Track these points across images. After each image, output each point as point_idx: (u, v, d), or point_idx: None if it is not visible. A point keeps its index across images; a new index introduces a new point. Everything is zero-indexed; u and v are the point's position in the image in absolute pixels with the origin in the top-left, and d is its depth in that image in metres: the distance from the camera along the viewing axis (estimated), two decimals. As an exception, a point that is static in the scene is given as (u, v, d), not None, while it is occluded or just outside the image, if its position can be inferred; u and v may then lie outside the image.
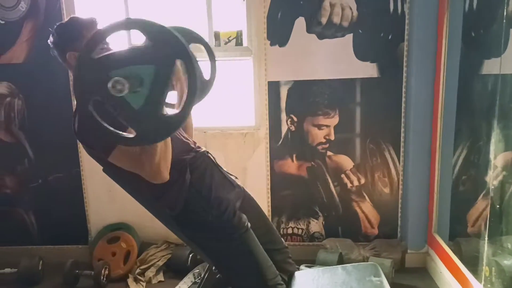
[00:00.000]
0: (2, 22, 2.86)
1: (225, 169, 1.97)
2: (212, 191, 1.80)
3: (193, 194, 1.76)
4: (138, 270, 2.94)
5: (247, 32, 2.91)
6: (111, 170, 1.75)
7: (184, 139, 1.89)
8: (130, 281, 2.89)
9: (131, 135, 1.41)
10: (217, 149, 3.03)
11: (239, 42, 2.93)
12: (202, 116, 3.09)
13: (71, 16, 1.80)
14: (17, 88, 3.00)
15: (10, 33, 2.93)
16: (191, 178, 1.77)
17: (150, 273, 2.93)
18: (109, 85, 1.29)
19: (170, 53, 1.35)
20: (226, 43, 2.91)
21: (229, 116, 3.10)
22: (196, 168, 1.80)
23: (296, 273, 2.04)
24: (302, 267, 2.79)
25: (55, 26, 1.78)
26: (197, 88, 1.36)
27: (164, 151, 1.62)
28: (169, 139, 1.64)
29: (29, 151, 3.07)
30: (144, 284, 2.88)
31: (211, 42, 2.90)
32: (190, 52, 1.34)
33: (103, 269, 2.86)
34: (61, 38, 1.73)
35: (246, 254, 1.82)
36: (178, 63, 1.38)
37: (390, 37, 2.85)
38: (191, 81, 1.35)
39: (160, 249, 3.06)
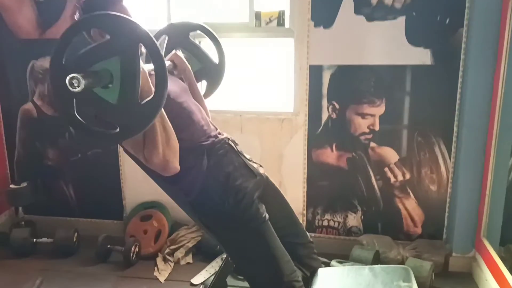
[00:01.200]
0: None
1: (248, 156, 1.88)
2: (230, 178, 1.71)
3: (209, 181, 1.69)
4: (167, 250, 2.92)
5: (289, 12, 2.75)
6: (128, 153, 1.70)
7: (206, 125, 1.80)
8: (159, 260, 2.88)
9: (115, 131, 1.39)
10: (252, 134, 2.93)
11: (281, 23, 2.77)
12: (238, 99, 3.00)
13: None
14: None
15: (55, 8, 2.93)
16: (208, 164, 1.69)
17: (179, 254, 2.90)
18: (66, 82, 1.26)
19: (130, 40, 1.34)
20: (267, 24, 2.76)
21: (267, 100, 2.97)
22: (214, 154, 1.72)
23: (320, 270, 1.92)
24: (333, 262, 2.66)
25: (82, 2, 1.73)
26: (165, 69, 1.36)
27: (166, 140, 1.55)
28: (169, 127, 1.58)
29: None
30: (172, 264, 2.86)
31: (252, 23, 2.77)
32: (150, 35, 1.34)
33: (133, 246, 2.86)
34: (86, 13, 1.68)
35: (261, 246, 1.73)
36: (141, 48, 1.38)
37: (447, 21, 2.58)
38: (157, 63, 1.35)
39: (191, 231, 3.02)
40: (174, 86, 1.78)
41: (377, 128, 2.80)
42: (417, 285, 2.49)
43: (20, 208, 3.19)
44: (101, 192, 3.20)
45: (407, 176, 2.84)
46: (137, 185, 3.15)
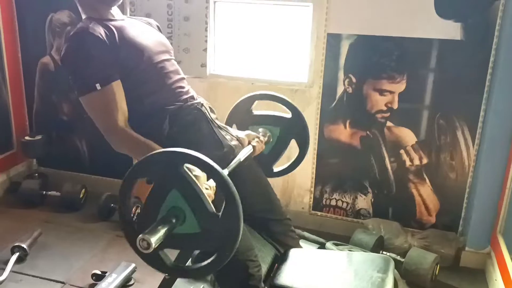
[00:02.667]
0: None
1: (224, 126, 1.76)
2: (190, 147, 1.59)
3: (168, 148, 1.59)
4: (169, 215, 2.89)
5: (309, -27, 2.55)
6: None
7: (179, 88, 1.68)
8: (159, 223, 2.86)
9: (211, 259, 1.29)
10: (263, 104, 2.78)
11: (298, -15, 2.59)
12: (250, 66, 2.86)
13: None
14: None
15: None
16: (169, 131, 1.58)
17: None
18: (137, 245, 1.19)
19: (216, 243, 1.28)
20: (284, -15, 2.59)
21: (280, 69, 2.81)
22: (179, 120, 1.61)
23: (291, 250, 1.78)
24: (328, 244, 2.53)
25: None
26: (226, 180, 1.27)
27: (104, 104, 1.50)
28: (111, 93, 1.51)
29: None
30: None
31: (268, -17, 2.61)
32: (191, 153, 1.27)
33: (134, 208, 2.84)
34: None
35: None
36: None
37: (483, -8, 2.32)
38: (214, 177, 1.29)
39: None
40: (151, 42, 1.67)
41: (395, 106, 2.59)
42: (418, 276, 2.38)
43: (34, 160, 3.25)
44: (112, 150, 3.18)
45: (424, 160, 2.63)
46: None
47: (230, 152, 1.69)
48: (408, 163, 2.66)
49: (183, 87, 1.71)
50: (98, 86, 1.48)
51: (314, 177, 2.84)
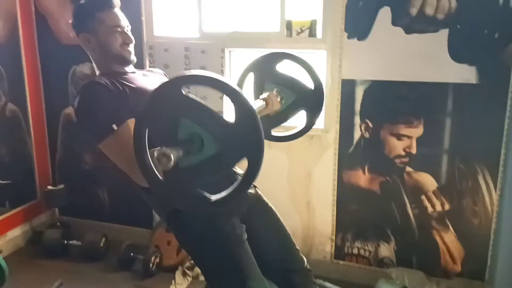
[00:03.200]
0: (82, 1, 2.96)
1: (240, 171, 1.76)
2: (207, 187, 1.60)
3: None
4: (187, 264, 2.87)
5: (322, 22, 2.59)
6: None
7: None
8: (178, 273, 2.83)
9: (236, 184, 1.24)
10: (279, 150, 2.80)
11: (312, 33, 2.62)
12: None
13: None
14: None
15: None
16: None
17: (198, 269, 2.83)
18: (155, 156, 1.15)
19: (241, 150, 1.19)
20: (298, 34, 2.62)
21: (296, 116, 2.82)
22: None
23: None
24: (349, 295, 2.44)
25: (75, 6, 1.74)
26: (247, 187, 1.23)
27: (124, 143, 1.46)
28: (128, 130, 1.48)
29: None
30: (190, 279, 2.79)
31: (282, 32, 2.65)
32: (260, 156, 1.18)
33: (154, 257, 2.83)
34: (77, 18, 1.69)
35: (234, 269, 1.60)
36: None
37: (496, 35, 2.30)
38: (243, 183, 1.22)
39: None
40: (153, 84, 1.71)
41: (414, 151, 2.55)
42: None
43: (56, 210, 3.30)
44: (133, 198, 3.18)
45: (446, 206, 2.56)
46: None
47: (248, 196, 1.70)
48: (430, 209, 2.59)
49: None
50: (114, 126, 1.48)
51: (334, 224, 2.79)
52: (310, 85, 1.93)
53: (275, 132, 2.02)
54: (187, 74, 1.21)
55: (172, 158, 1.13)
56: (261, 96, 1.82)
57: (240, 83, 1.98)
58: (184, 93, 1.21)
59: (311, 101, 1.95)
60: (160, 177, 1.25)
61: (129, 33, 1.72)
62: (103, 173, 3.25)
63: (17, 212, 3.17)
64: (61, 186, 3.22)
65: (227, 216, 1.62)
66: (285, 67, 1.97)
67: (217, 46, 2.81)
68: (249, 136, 1.17)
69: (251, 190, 1.76)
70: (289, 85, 1.94)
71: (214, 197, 1.26)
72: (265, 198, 1.84)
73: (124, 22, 1.73)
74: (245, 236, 1.64)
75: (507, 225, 2.38)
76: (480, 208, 2.49)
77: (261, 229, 1.74)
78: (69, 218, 3.38)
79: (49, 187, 3.21)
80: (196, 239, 1.63)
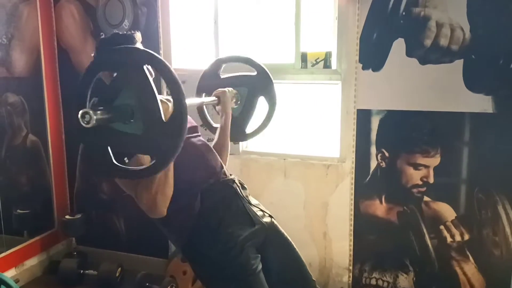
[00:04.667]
0: (103, 37, 3.06)
1: (255, 202, 1.77)
2: (222, 225, 1.62)
3: (200, 225, 1.61)
4: (203, 295, 2.85)
5: (337, 53, 2.65)
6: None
7: (210, 163, 1.73)
8: (193, 304, 2.82)
9: (151, 164, 1.34)
10: (296, 179, 2.81)
11: (327, 64, 2.66)
12: (282, 142, 2.91)
13: (114, 31, 1.80)
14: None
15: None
16: (201, 208, 1.61)
17: (215, 300, 2.80)
18: (78, 116, 1.25)
19: (135, 61, 1.30)
20: (313, 65, 2.67)
21: (312, 145, 2.84)
22: (210, 197, 1.64)
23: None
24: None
25: (99, 41, 1.80)
26: (176, 79, 1.29)
27: (163, 183, 1.49)
28: (170, 174, 1.51)
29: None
30: (206, 310, 2.77)
31: (298, 63, 2.69)
32: (152, 53, 1.30)
33: (169, 287, 2.82)
34: (98, 52, 1.73)
35: None
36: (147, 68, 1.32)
37: (511, 65, 2.31)
38: (166, 74, 1.30)
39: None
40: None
41: (431, 180, 2.54)
42: None
43: (73, 239, 3.32)
44: (149, 228, 3.19)
45: (466, 236, 2.52)
46: None
47: (262, 229, 1.70)
48: (449, 239, 2.55)
49: (216, 163, 1.75)
50: (126, 160, 1.47)
51: (352, 255, 2.76)
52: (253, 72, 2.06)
53: (249, 130, 2.11)
54: (153, 55, 1.31)
55: (94, 118, 1.22)
56: (218, 91, 1.92)
57: (232, 59, 2.12)
58: (146, 69, 1.30)
59: (260, 84, 2.06)
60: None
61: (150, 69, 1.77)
62: (119, 203, 3.27)
63: (34, 241, 3.19)
64: (79, 215, 3.24)
65: (242, 246, 1.62)
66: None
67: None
68: (168, 140, 1.29)
69: (266, 220, 1.76)
70: (236, 82, 2.05)
71: (117, 164, 1.35)
72: (281, 229, 1.83)
73: None
74: (260, 266, 1.64)
75: (529, 256, 2.34)
76: (501, 238, 2.45)
77: (276, 260, 1.74)
78: (85, 248, 3.39)
79: (67, 216, 3.23)
80: (211, 269, 1.63)
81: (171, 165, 1.50)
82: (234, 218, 1.66)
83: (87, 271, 3.10)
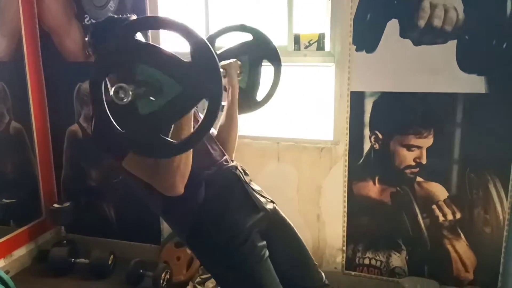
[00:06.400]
0: (93, 21, 2.96)
1: (258, 188, 1.75)
2: (227, 212, 1.60)
3: (205, 214, 1.59)
4: (198, 279, 2.84)
5: (330, 35, 2.61)
6: (124, 176, 1.63)
7: (211, 151, 1.70)
8: (189, 289, 2.82)
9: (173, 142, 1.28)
10: (289, 163, 2.81)
11: (320, 46, 2.64)
12: (275, 125, 2.89)
13: (108, 15, 1.73)
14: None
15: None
16: (205, 196, 1.59)
17: (210, 284, 2.80)
18: (112, 89, 1.17)
19: (201, 88, 1.23)
20: (306, 47, 2.65)
21: (305, 128, 2.83)
22: (213, 185, 1.62)
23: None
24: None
25: (91, 25, 1.73)
26: (210, 126, 1.25)
27: (185, 163, 1.45)
28: (190, 153, 1.47)
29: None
30: (202, 294, 2.77)
31: (290, 45, 2.66)
32: (220, 93, 1.23)
33: (164, 273, 2.80)
34: (94, 37, 1.66)
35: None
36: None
37: (504, 45, 2.32)
38: (212, 112, 1.23)
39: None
40: None
41: (424, 161, 2.57)
42: None
43: (62, 227, 3.26)
44: (140, 215, 3.19)
45: (458, 215, 2.57)
46: None
47: (266, 215, 1.69)
48: (441, 218, 2.60)
49: (215, 150, 1.72)
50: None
51: (345, 236, 2.79)
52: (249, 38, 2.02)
53: (260, 98, 2.08)
54: (137, 19, 1.27)
55: (130, 92, 1.14)
56: (225, 62, 1.86)
57: (229, 29, 2.05)
58: (137, 38, 1.24)
59: (259, 47, 2.02)
60: (119, 129, 1.27)
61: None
62: (109, 190, 3.22)
63: (22, 231, 3.12)
64: (67, 203, 3.18)
65: (248, 233, 1.61)
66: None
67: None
68: (207, 73, 1.21)
69: (269, 206, 1.75)
70: (235, 53, 1.99)
71: (176, 142, 1.29)
72: (283, 214, 1.83)
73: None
74: (267, 253, 1.63)
75: (519, 233, 2.40)
76: (492, 217, 2.51)
77: (280, 246, 1.73)
78: (75, 236, 3.34)
79: (55, 205, 3.17)
80: (218, 258, 1.61)
81: None
82: (238, 206, 1.64)
83: (78, 260, 3.06)
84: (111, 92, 1.17)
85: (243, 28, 2.03)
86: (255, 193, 1.72)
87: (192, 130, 1.37)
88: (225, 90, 1.87)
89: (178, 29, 1.22)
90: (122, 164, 1.53)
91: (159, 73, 1.23)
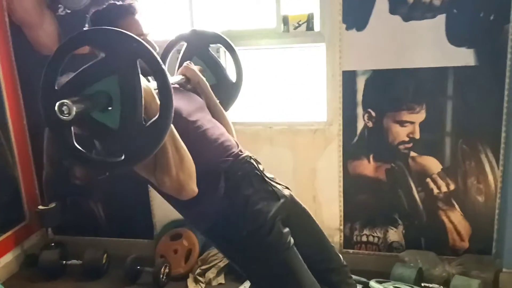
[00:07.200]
0: (68, 11, 2.81)
1: (272, 176, 1.73)
2: (249, 203, 1.57)
3: (226, 206, 1.55)
4: (198, 270, 2.80)
5: (319, 14, 2.59)
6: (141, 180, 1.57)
7: (225, 143, 1.65)
8: (189, 281, 2.77)
9: (119, 159, 1.23)
10: (284, 147, 2.79)
11: (310, 27, 2.61)
12: (267, 110, 2.86)
13: (109, 2, 1.64)
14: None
15: (76, 23, 2.79)
16: (225, 188, 1.55)
17: (210, 274, 2.77)
18: (55, 109, 1.13)
19: (126, 56, 1.21)
20: (295, 28, 2.61)
21: (298, 110, 2.82)
22: (232, 176, 1.58)
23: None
24: (372, 283, 2.47)
25: (91, 13, 1.64)
26: (169, 86, 1.21)
27: (179, 161, 1.41)
28: (181, 147, 1.43)
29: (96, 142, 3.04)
30: (203, 285, 2.73)
31: (279, 28, 2.62)
32: (149, 49, 1.20)
33: (163, 267, 2.75)
34: (95, 26, 1.57)
35: (287, 276, 1.57)
36: (139, 63, 1.22)
37: (491, 17, 2.37)
38: (160, 80, 1.21)
39: (223, 250, 2.89)
40: (186, 103, 1.67)
41: (417, 136, 2.61)
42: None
43: (50, 229, 3.13)
44: (130, 210, 3.10)
45: (452, 187, 2.63)
46: (165, 202, 3.03)
47: (285, 202, 1.67)
48: (435, 191, 2.66)
49: (228, 141, 1.68)
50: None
51: (342, 215, 2.81)
52: (233, 78, 2.03)
53: (233, 79, 2.07)
54: (149, 52, 1.21)
55: (74, 108, 1.12)
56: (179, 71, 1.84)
57: (170, 48, 2.04)
58: (138, 63, 1.22)
59: (226, 93, 2.01)
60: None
61: (153, 41, 1.64)
62: (95, 187, 3.11)
63: (6, 237, 2.97)
64: (53, 204, 3.04)
65: (272, 222, 1.58)
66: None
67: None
68: (144, 145, 1.23)
69: (286, 193, 1.73)
70: (213, 68, 2.00)
71: (149, 124, 1.24)
72: (298, 199, 1.82)
73: (146, 29, 1.65)
74: (292, 240, 1.61)
75: (511, 199, 2.47)
76: (485, 186, 2.58)
77: (300, 232, 1.70)
78: (63, 237, 3.21)
79: (40, 207, 3.03)
80: (244, 250, 1.58)
81: (177, 137, 1.43)
82: (259, 195, 1.61)
83: (70, 262, 2.95)
84: (56, 109, 1.13)
85: (237, 65, 2.04)
86: (271, 181, 1.70)
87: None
88: (195, 91, 1.84)
89: (164, 87, 1.21)
90: (134, 169, 1.47)
91: (92, 87, 1.22)
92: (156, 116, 1.23)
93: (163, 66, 1.22)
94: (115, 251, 3.02)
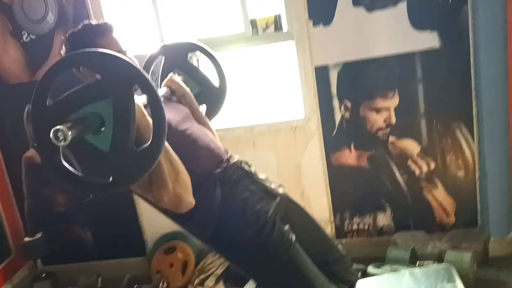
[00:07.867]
0: (33, 37, 2.77)
1: (264, 176, 1.76)
2: (247, 205, 1.60)
3: (225, 212, 1.57)
4: (197, 280, 2.80)
5: (286, 14, 2.64)
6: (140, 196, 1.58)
7: (215, 150, 1.68)
8: (190, 292, 2.77)
9: (108, 181, 1.24)
10: (266, 149, 2.83)
11: (278, 27, 2.66)
12: (246, 113, 2.89)
13: (84, 23, 1.64)
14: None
15: (42, 48, 2.79)
16: (221, 194, 1.57)
17: (209, 283, 2.77)
18: (51, 136, 1.12)
19: (123, 81, 1.21)
20: (264, 30, 2.66)
21: (276, 110, 2.86)
22: (227, 182, 1.61)
23: (358, 284, 1.79)
24: (370, 268, 2.53)
25: (67, 35, 1.63)
26: (163, 114, 1.21)
27: (174, 175, 1.43)
28: (175, 161, 1.45)
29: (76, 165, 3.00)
30: (204, 295, 2.74)
31: (248, 32, 2.66)
32: (145, 75, 1.21)
33: (161, 282, 2.74)
34: (73, 48, 1.57)
35: (294, 273, 1.61)
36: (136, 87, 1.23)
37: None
38: (154, 106, 1.21)
39: (218, 257, 2.90)
40: (174, 113, 1.69)
41: (393, 121, 2.68)
42: (460, 278, 2.42)
43: (39, 260, 3.07)
44: (119, 230, 3.07)
45: (432, 166, 2.72)
46: (155, 216, 2.93)
47: (282, 200, 1.70)
48: (417, 171, 2.74)
49: (218, 148, 1.71)
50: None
51: (331, 207, 2.86)
52: (216, 82, 2.05)
53: (216, 84, 2.09)
54: (146, 79, 1.22)
55: (68, 135, 1.12)
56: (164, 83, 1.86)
57: (149, 64, 2.06)
58: (133, 89, 1.23)
59: (212, 98, 2.05)
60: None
61: (132, 58, 1.64)
62: (79, 212, 3.06)
63: (-6, 275, 2.91)
64: (39, 235, 2.99)
65: (273, 221, 1.61)
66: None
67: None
68: (118, 64, 1.22)
69: (281, 191, 1.76)
70: (195, 77, 2.03)
71: (147, 146, 1.24)
72: (291, 196, 1.85)
73: (124, 46, 1.65)
74: (294, 237, 1.64)
75: (489, 170, 2.56)
76: (463, 160, 2.68)
77: (299, 227, 1.74)
78: (53, 267, 3.15)
79: (26, 238, 2.97)
80: (247, 252, 1.61)
81: (170, 152, 1.45)
82: (256, 196, 1.64)
83: (64, 290, 2.91)
84: (51, 136, 1.13)
85: (219, 70, 2.05)
86: (265, 181, 1.73)
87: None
88: (181, 103, 1.86)
89: (157, 113, 1.22)
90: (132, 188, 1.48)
91: (85, 109, 1.22)
92: (148, 143, 1.23)
93: (159, 96, 1.23)
94: (109, 273, 3.00)
